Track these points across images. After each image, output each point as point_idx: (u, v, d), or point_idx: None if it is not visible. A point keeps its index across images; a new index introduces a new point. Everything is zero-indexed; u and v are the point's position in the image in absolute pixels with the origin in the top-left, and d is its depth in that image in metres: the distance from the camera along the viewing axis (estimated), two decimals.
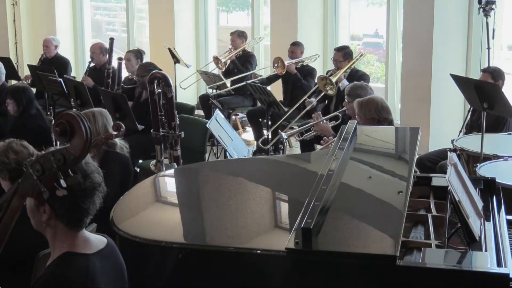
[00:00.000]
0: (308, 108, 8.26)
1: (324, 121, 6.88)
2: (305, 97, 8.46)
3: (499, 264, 3.08)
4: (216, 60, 10.05)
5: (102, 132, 5.29)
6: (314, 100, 8.32)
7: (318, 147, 7.23)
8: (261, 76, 9.74)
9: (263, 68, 10.69)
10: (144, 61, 8.99)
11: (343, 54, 8.54)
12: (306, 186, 3.43)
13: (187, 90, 10.58)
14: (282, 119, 7.86)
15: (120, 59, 9.28)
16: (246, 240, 3.29)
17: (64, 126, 2.51)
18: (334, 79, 8.05)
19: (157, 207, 3.98)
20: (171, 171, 4.98)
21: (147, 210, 3.86)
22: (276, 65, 9.18)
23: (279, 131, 7.41)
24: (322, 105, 8.63)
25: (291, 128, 8.47)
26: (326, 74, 8.47)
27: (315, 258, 2.98)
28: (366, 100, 5.67)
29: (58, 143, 2.70)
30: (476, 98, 5.88)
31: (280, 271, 3.06)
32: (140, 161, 7.15)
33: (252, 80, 9.31)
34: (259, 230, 3.42)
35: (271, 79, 9.70)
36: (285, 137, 7.05)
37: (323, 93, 8.09)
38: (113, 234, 3.23)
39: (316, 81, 8.42)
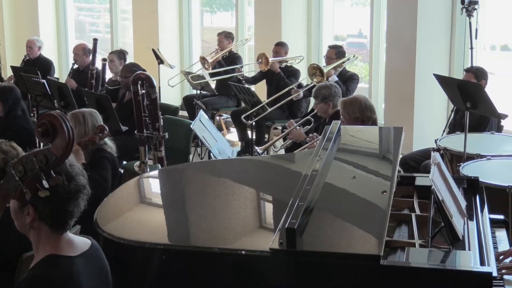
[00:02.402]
0: (293, 96, 8.28)
1: (297, 127, 6.90)
2: (293, 85, 8.50)
3: (482, 263, 3.10)
4: (203, 60, 10.03)
5: (91, 132, 5.29)
6: (301, 91, 8.35)
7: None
8: (243, 73, 9.77)
9: (247, 64, 10.69)
10: (127, 62, 8.97)
11: (336, 52, 8.56)
12: (290, 186, 3.43)
13: (171, 91, 10.57)
14: (262, 115, 7.84)
15: (103, 60, 9.26)
16: (231, 241, 3.28)
17: (46, 127, 2.50)
18: (325, 70, 8.06)
19: (141, 208, 3.97)
20: (155, 172, 4.97)
21: (131, 211, 3.85)
22: (260, 60, 9.18)
23: (254, 146, 7.43)
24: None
25: (275, 128, 8.49)
26: None
27: (299, 258, 2.98)
28: (350, 100, 5.69)
29: (41, 144, 2.69)
30: (459, 98, 5.90)
31: (265, 272, 3.06)
32: (124, 162, 7.12)
33: (236, 75, 9.34)
34: (243, 231, 3.42)
35: (256, 79, 9.71)
36: (260, 152, 7.05)
37: (311, 85, 8.09)
38: (97, 236, 3.22)
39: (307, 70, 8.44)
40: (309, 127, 6.94)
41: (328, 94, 6.52)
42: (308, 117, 7.07)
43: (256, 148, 7.15)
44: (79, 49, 9.96)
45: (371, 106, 5.66)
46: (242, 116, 7.65)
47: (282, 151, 7.12)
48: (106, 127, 5.30)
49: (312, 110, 7.24)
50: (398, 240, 3.37)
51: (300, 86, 8.74)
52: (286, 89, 8.51)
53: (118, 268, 3.15)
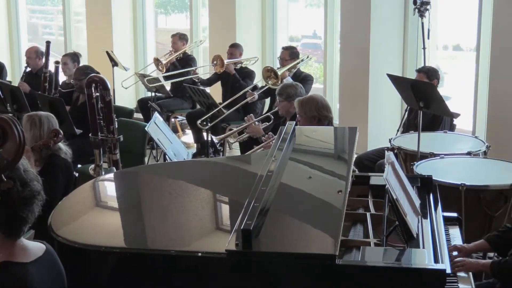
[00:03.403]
0: (248, 99, 8.29)
1: (256, 122, 6.92)
2: (247, 89, 8.51)
3: (436, 260, 3.14)
4: (157, 61, 9.99)
5: (46, 136, 5.23)
6: (256, 94, 8.36)
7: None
8: (198, 75, 9.75)
9: (202, 66, 10.68)
10: (81, 65, 8.89)
11: (290, 53, 8.58)
12: (246, 187, 3.44)
13: (126, 94, 10.51)
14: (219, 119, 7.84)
15: (57, 62, 9.15)
16: (188, 243, 3.28)
17: None
18: (279, 72, 8.07)
19: (96, 211, 3.94)
20: (111, 175, 4.93)
21: (87, 215, 3.81)
22: (215, 62, 9.18)
23: (210, 134, 7.43)
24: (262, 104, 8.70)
25: (231, 129, 8.48)
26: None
27: (256, 259, 2.99)
28: (306, 99, 5.71)
29: None
30: (412, 98, 5.96)
31: (222, 273, 3.06)
32: (79, 165, 7.06)
33: (191, 77, 9.32)
34: (200, 233, 3.42)
35: (211, 80, 9.70)
36: (216, 141, 7.05)
37: (266, 87, 8.11)
38: (52, 240, 3.19)
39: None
40: (268, 123, 6.96)
41: (293, 94, 6.53)
42: (268, 114, 7.09)
43: (212, 137, 7.15)
44: (32, 52, 9.84)
45: (327, 105, 5.69)
46: (198, 122, 7.63)
47: (238, 147, 7.08)
48: (61, 131, 5.25)
49: (274, 108, 7.24)
50: (354, 240, 3.40)
51: (255, 88, 8.75)
52: (242, 91, 8.51)
53: (74, 273, 3.13)
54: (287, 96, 6.58)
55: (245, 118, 7.07)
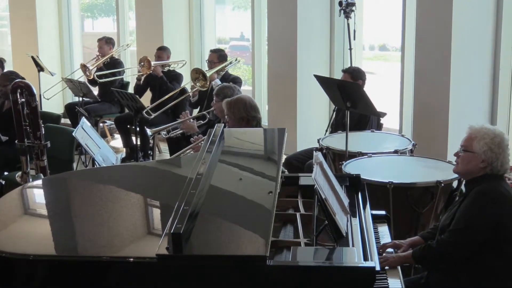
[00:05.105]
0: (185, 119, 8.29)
1: (191, 119, 6.93)
2: (174, 92, 8.49)
3: (365, 258, 3.19)
4: (84, 67, 9.87)
5: None
6: (188, 114, 8.35)
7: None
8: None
9: (129, 68, 10.61)
10: (6, 70, 8.74)
11: (218, 55, 8.59)
12: (176, 191, 3.43)
13: (52, 99, 10.37)
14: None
15: None
16: (119, 249, 3.26)
17: None
18: (208, 74, 8.07)
19: (25, 219, 3.87)
20: (39, 182, 4.85)
21: (15, 223, 3.75)
22: (142, 63, 9.13)
23: (145, 127, 7.42)
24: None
25: (159, 133, 8.44)
26: None
27: (187, 263, 2.99)
28: (234, 100, 5.72)
29: None
30: (339, 98, 6.02)
31: (155, 278, 3.04)
32: (6, 173, 6.94)
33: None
34: (132, 238, 3.39)
35: (141, 89, 9.60)
36: (150, 133, 7.05)
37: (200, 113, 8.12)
38: None
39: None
40: (202, 122, 6.97)
41: (230, 95, 6.53)
42: (204, 112, 7.10)
43: (147, 130, 7.12)
44: None
45: (255, 105, 5.71)
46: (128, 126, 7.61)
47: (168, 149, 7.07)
48: None
49: (211, 106, 7.23)
50: (284, 240, 3.42)
51: (183, 90, 8.73)
52: (170, 94, 8.49)
53: (2, 284, 3.07)
54: (224, 97, 6.60)
55: (180, 115, 7.07)
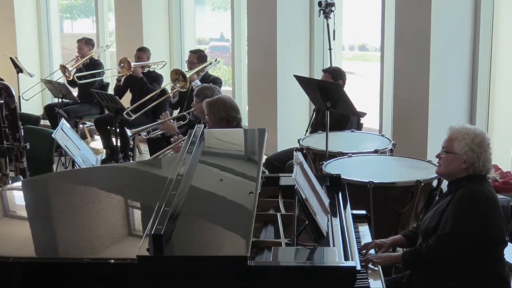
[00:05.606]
0: (165, 120, 8.28)
1: (171, 120, 6.93)
2: (154, 93, 8.48)
3: (346, 257, 3.20)
4: (63, 68, 9.83)
5: None
6: (168, 115, 8.34)
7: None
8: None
9: (109, 69, 10.57)
10: None
11: (198, 56, 8.59)
12: (157, 192, 3.42)
13: (32, 100, 10.32)
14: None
15: None
16: (100, 250, 3.24)
17: None
18: (188, 75, 8.06)
19: (4, 222, 3.84)
20: (18, 184, 4.82)
21: None
22: (122, 64, 9.12)
23: (125, 128, 7.40)
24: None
25: (139, 134, 8.43)
26: None
27: (168, 264, 2.98)
28: (214, 100, 5.72)
29: None
30: (319, 98, 6.03)
31: (136, 280, 3.03)
32: None
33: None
34: (113, 239, 3.38)
35: (121, 89, 9.58)
36: (130, 134, 7.04)
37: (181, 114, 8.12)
38: None
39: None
40: (183, 122, 6.96)
41: (210, 95, 6.53)
42: (184, 113, 7.09)
43: (127, 130, 7.11)
44: None
45: (235, 106, 5.72)
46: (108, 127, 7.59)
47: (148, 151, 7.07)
48: None
49: (191, 107, 7.23)
50: (265, 240, 3.43)
51: (163, 91, 8.72)
52: (150, 95, 8.48)
53: None
54: (204, 98, 6.60)
55: (161, 116, 7.06)
